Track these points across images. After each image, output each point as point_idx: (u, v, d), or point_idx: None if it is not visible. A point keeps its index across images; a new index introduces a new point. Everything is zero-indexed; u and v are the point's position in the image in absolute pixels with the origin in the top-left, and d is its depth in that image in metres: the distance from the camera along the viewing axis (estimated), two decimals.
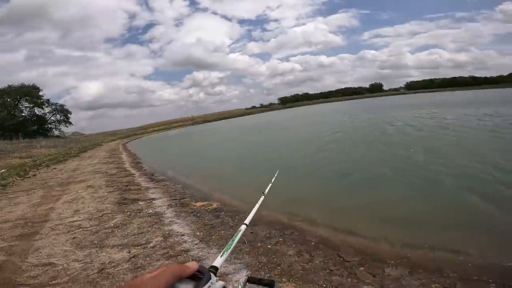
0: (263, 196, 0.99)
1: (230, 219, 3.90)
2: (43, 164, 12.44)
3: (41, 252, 3.01)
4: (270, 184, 1.16)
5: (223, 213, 4.20)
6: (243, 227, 0.72)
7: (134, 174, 8.11)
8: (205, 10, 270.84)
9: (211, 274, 0.41)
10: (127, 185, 6.50)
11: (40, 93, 39.32)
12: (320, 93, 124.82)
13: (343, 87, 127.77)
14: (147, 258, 2.76)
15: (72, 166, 11.57)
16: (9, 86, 36.82)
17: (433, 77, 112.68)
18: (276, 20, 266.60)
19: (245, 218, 0.80)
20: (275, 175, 1.33)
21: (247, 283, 0.50)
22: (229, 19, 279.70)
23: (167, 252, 2.87)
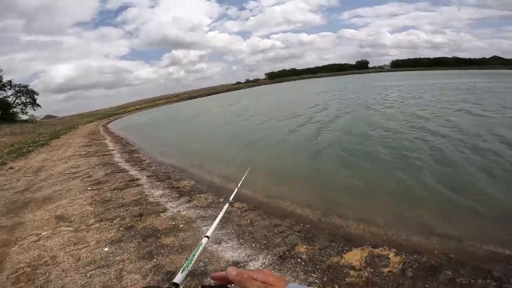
0: (228, 204, 0.82)
1: None
2: None
3: None
4: (236, 190, 0.98)
5: None
6: (204, 240, 0.59)
7: (140, 179, 4.90)
8: None
9: None
10: (140, 214, 3.36)
11: (0, 74, 32.88)
12: (307, 68, 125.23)
13: (326, 64, 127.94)
14: None
15: (36, 162, 8.03)
16: None
17: (411, 57, 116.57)
18: None
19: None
20: (244, 176, 1.10)
21: None
22: None
23: None
